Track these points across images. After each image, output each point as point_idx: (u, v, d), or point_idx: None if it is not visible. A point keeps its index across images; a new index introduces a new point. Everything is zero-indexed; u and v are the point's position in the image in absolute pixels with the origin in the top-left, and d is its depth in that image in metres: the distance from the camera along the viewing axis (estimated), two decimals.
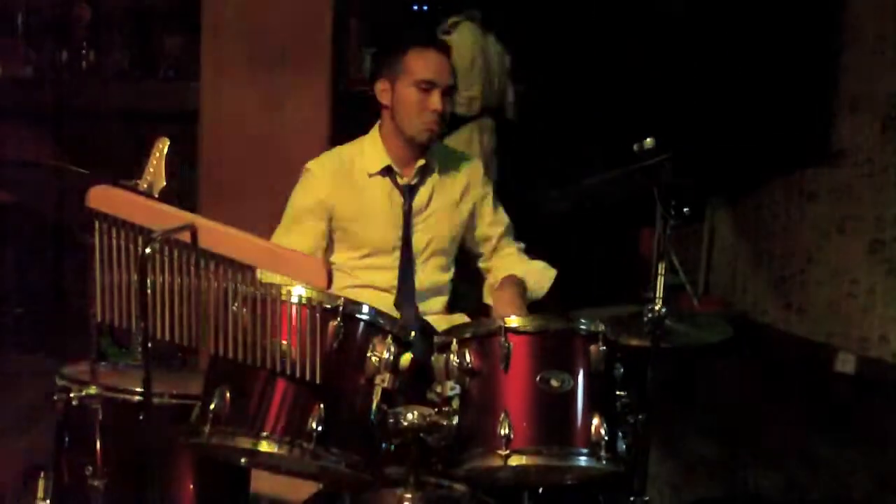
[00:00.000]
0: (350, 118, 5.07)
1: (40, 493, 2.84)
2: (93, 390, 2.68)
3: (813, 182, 6.75)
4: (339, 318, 2.43)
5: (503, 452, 2.46)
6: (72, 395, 2.71)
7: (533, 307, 3.39)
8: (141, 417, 2.57)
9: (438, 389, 2.59)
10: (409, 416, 2.50)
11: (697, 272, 7.81)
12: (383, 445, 2.52)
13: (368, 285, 3.37)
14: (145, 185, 3.08)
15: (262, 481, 3.04)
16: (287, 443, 2.40)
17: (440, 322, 3.35)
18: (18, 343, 5.80)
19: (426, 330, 3.19)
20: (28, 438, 4.36)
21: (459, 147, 4.98)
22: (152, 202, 2.36)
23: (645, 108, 6.32)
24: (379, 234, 3.35)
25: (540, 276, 3.46)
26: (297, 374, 2.31)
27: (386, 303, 3.33)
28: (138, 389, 2.67)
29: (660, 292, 2.78)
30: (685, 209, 2.79)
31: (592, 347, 2.56)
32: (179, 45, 6.49)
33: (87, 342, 2.68)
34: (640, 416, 2.74)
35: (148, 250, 2.18)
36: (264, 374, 2.39)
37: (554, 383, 2.51)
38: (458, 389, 2.55)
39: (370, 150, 3.38)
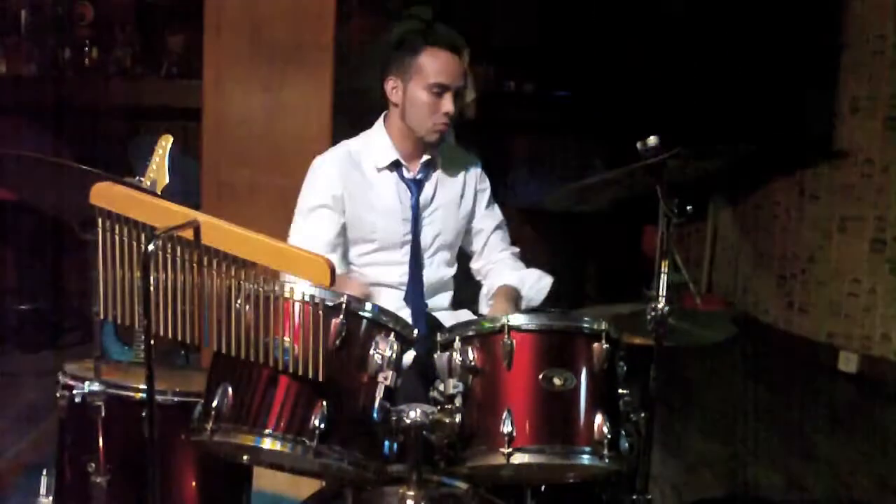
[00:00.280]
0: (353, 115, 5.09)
1: (43, 490, 2.85)
2: (96, 387, 2.68)
3: (814, 182, 6.75)
4: (342, 316, 2.43)
5: (506, 450, 2.46)
6: (75, 392, 2.72)
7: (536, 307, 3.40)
8: (144, 414, 2.58)
9: (441, 387, 2.59)
10: (412, 413, 2.49)
11: (700, 271, 7.82)
12: (386, 443, 2.52)
13: (377, 282, 3.37)
14: (148, 182, 3.09)
15: (264, 479, 3.05)
16: (290, 440, 2.39)
17: (447, 318, 3.35)
18: (20, 341, 5.81)
19: (435, 326, 3.18)
20: (31, 435, 4.36)
21: None
22: (155, 199, 2.35)
23: (647, 106, 6.32)
24: (389, 229, 3.34)
25: (535, 284, 3.44)
26: (300, 372, 2.31)
27: (395, 299, 3.33)
28: (141, 386, 2.68)
29: (662, 291, 2.78)
30: (688, 207, 2.79)
31: (595, 346, 2.56)
32: (182, 42, 6.50)
33: (89, 339, 2.68)
34: (642, 415, 2.74)
35: (151, 247, 2.18)
36: (267, 372, 2.39)
37: (557, 381, 2.51)
38: (460, 387, 2.55)
39: (377, 145, 3.37)
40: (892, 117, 6.15)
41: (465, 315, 3.44)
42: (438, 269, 3.45)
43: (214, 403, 2.42)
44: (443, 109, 3.23)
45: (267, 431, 2.41)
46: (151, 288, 2.20)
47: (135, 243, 2.30)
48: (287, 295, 2.35)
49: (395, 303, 3.31)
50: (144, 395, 2.59)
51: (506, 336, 2.54)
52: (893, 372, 6.10)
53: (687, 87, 6.64)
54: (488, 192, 3.57)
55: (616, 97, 6.84)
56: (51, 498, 2.84)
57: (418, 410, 2.50)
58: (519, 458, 2.47)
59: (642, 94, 6.62)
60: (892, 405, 5.81)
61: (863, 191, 6.34)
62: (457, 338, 2.61)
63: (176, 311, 2.30)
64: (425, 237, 3.39)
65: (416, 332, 2.62)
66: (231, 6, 5.07)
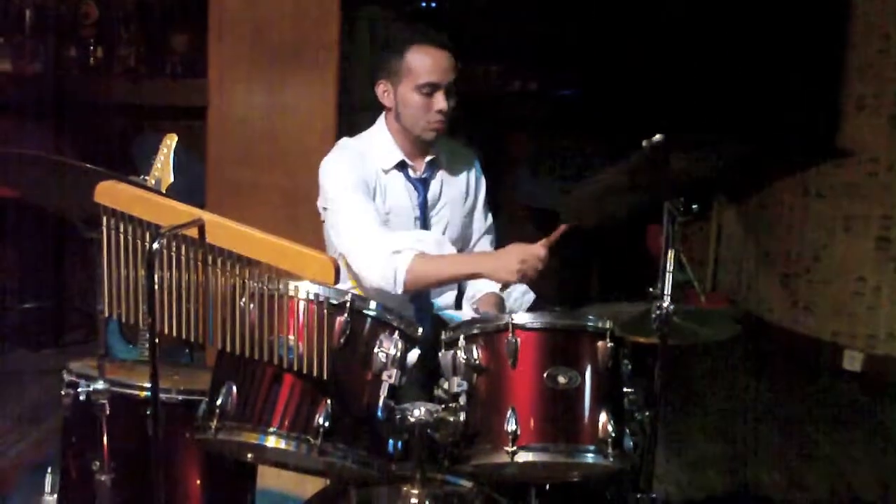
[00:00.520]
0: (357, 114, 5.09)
1: (47, 488, 2.85)
2: (100, 386, 2.69)
3: (819, 180, 6.74)
4: (346, 314, 2.43)
5: (510, 449, 2.46)
6: (79, 390, 2.72)
7: (539, 303, 3.39)
8: (148, 413, 2.59)
9: (445, 385, 2.59)
10: (416, 412, 2.49)
11: (704, 270, 7.81)
12: (390, 441, 2.52)
13: None
14: (153, 181, 3.09)
15: (269, 477, 3.05)
16: (294, 438, 2.40)
17: (452, 315, 3.35)
18: (24, 339, 5.82)
19: (440, 325, 3.18)
20: (35, 434, 4.37)
21: None
22: (160, 198, 2.35)
23: (652, 104, 6.31)
24: (401, 228, 3.32)
25: (520, 297, 3.43)
26: (304, 370, 2.31)
27: (401, 297, 3.32)
28: (145, 385, 2.69)
29: (667, 289, 2.78)
30: (693, 206, 2.78)
31: (600, 344, 2.56)
32: (186, 41, 6.50)
33: (93, 338, 2.69)
34: (647, 413, 2.73)
35: (155, 246, 2.18)
36: (271, 370, 2.40)
37: (561, 380, 2.51)
38: (465, 385, 2.55)
39: (381, 146, 3.35)
40: None
41: (469, 314, 3.44)
42: None
43: (219, 402, 2.42)
44: (435, 108, 3.21)
45: (271, 430, 2.41)
46: (156, 286, 2.20)
47: (139, 242, 2.30)
48: (291, 293, 2.35)
49: (400, 301, 3.31)
50: (149, 394, 2.61)
51: (510, 334, 2.54)
52: None
53: (692, 85, 6.63)
54: (484, 192, 3.57)
55: (621, 96, 6.84)
56: (55, 496, 2.85)
57: (422, 409, 2.50)
58: (523, 457, 2.47)
59: (647, 92, 6.61)
60: None
61: (868, 189, 6.32)
62: (461, 336, 2.61)
63: (180, 309, 2.30)
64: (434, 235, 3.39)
65: (420, 330, 2.62)
66: (234, 6, 5.08)
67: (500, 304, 3.35)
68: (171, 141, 3.20)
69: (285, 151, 5.03)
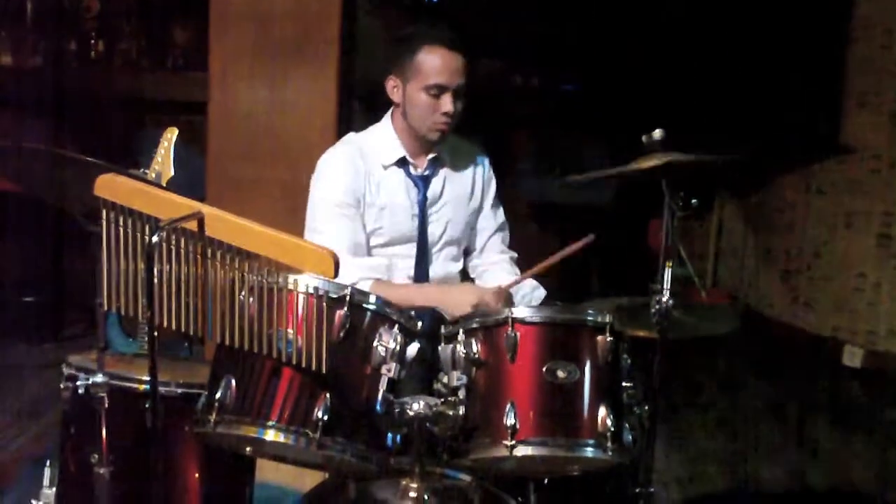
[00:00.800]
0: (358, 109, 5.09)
1: (47, 481, 2.86)
2: (99, 379, 2.69)
3: (821, 176, 6.74)
4: (346, 308, 2.43)
5: (509, 443, 2.46)
6: (78, 383, 2.72)
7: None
8: (147, 406, 2.59)
9: (445, 379, 2.59)
10: (415, 405, 2.49)
11: (705, 265, 7.81)
12: (389, 435, 2.52)
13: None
14: (153, 174, 3.09)
15: (267, 471, 3.05)
16: (293, 432, 2.40)
17: None
18: (23, 332, 5.81)
19: (440, 318, 3.18)
20: (34, 427, 4.37)
21: None
22: (159, 191, 2.35)
23: (653, 101, 6.31)
24: (395, 225, 3.33)
25: (529, 293, 3.43)
26: (304, 364, 2.31)
27: None
28: (145, 378, 2.69)
29: (667, 284, 2.78)
30: (693, 201, 2.79)
31: (599, 338, 2.56)
32: (188, 35, 6.50)
33: (92, 331, 2.69)
34: (646, 408, 2.74)
35: (155, 239, 2.18)
36: (270, 364, 2.39)
37: (561, 374, 2.51)
38: (464, 380, 2.55)
39: (384, 141, 3.35)
40: None
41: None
42: (445, 264, 3.44)
43: (218, 395, 2.42)
44: (442, 109, 3.21)
45: (270, 423, 2.41)
46: (155, 280, 2.20)
47: (139, 235, 2.30)
48: (291, 287, 2.35)
49: None
50: (148, 387, 2.61)
51: (510, 328, 2.54)
52: None
53: (693, 81, 6.63)
54: (494, 189, 3.57)
55: (622, 92, 6.84)
56: (54, 489, 2.85)
57: (422, 403, 2.50)
58: (522, 451, 2.47)
59: (648, 88, 6.61)
60: None
61: (869, 186, 6.33)
62: (461, 330, 2.61)
63: (180, 302, 2.30)
64: (432, 233, 3.39)
65: (419, 323, 2.62)
66: (236, 0, 5.07)
67: (509, 298, 3.35)
68: (171, 135, 3.19)
69: (286, 146, 5.02)
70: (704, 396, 5.65)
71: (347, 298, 2.43)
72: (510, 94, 7.38)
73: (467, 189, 3.47)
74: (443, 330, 2.68)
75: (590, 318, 2.59)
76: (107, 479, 2.70)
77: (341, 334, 2.43)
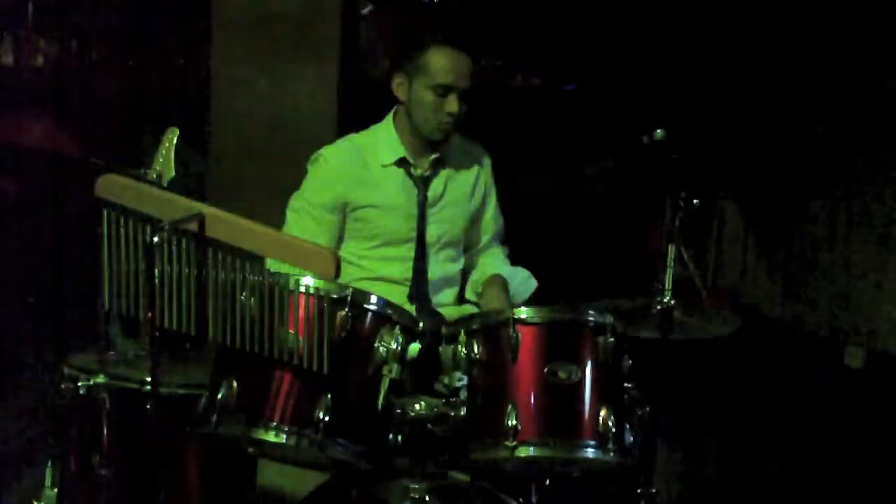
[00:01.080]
0: (360, 106, 5.09)
1: (48, 482, 2.85)
2: (100, 379, 2.69)
3: (822, 177, 6.73)
4: (347, 309, 2.43)
5: (510, 444, 2.46)
6: (79, 384, 2.72)
7: (541, 299, 3.39)
8: (148, 407, 2.59)
9: (446, 380, 2.60)
10: (417, 406, 2.50)
11: (706, 265, 7.80)
12: (390, 436, 2.52)
13: (381, 278, 3.36)
14: (154, 175, 3.09)
15: (269, 471, 3.05)
16: (294, 433, 2.40)
17: (452, 313, 3.34)
18: (24, 333, 5.81)
19: (439, 322, 3.18)
20: (35, 428, 4.37)
21: None
22: (160, 191, 2.36)
23: (655, 102, 6.31)
24: (394, 226, 3.33)
25: (522, 283, 3.44)
26: (305, 365, 2.31)
27: (399, 295, 3.32)
28: (146, 379, 2.68)
29: (668, 284, 2.78)
30: (695, 201, 2.79)
31: (601, 339, 2.56)
32: (189, 34, 6.49)
33: (93, 332, 2.69)
34: (647, 409, 2.74)
35: (156, 239, 2.18)
36: (272, 365, 2.40)
37: (562, 375, 2.51)
38: (465, 380, 2.55)
39: (384, 141, 3.36)
40: None
41: (469, 310, 3.43)
42: (444, 265, 3.44)
43: (219, 396, 2.42)
44: (446, 110, 3.21)
45: (271, 424, 2.41)
46: (156, 280, 2.20)
47: (140, 235, 2.30)
48: (292, 287, 2.35)
49: (399, 299, 3.30)
50: (149, 388, 2.60)
51: (511, 329, 2.54)
52: None
53: (694, 80, 6.63)
54: (494, 193, 3.57)
55: (623, 91, 6.83)
56: (55, 490, 2.85)
57: (423, 403, 2.50)
58: (523, 452, 2.47)
59: (649, 87, 6.61)
60: None
61: (871, 185, 6.31)
62: (462, 331, 2.61)
63: (181, 303, 2.30)
64: (431, 234, 3.38)
65: (420, 324, 2.62)
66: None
67: (505, 285, 3.36)
68: (172, 135, 3.19)
69: (287, 146, 5.01)
70: (705, 397, 5.64)
71: (348, 299, 2.44)
72: (510, 92, 7.37)
73: (468, 190, 3.47)
74: (444, 330, 2.68)
75: (591, 319, 2.59)
76: (108, 480, 2.70)
77: (342, 335, 2.43)
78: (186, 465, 2.82)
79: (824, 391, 5.90)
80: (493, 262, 3.52)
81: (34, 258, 5.94)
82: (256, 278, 2.29)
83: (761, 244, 7.41)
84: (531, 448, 2.48)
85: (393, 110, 3.40)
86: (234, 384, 2.43)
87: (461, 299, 3.53)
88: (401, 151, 3.33)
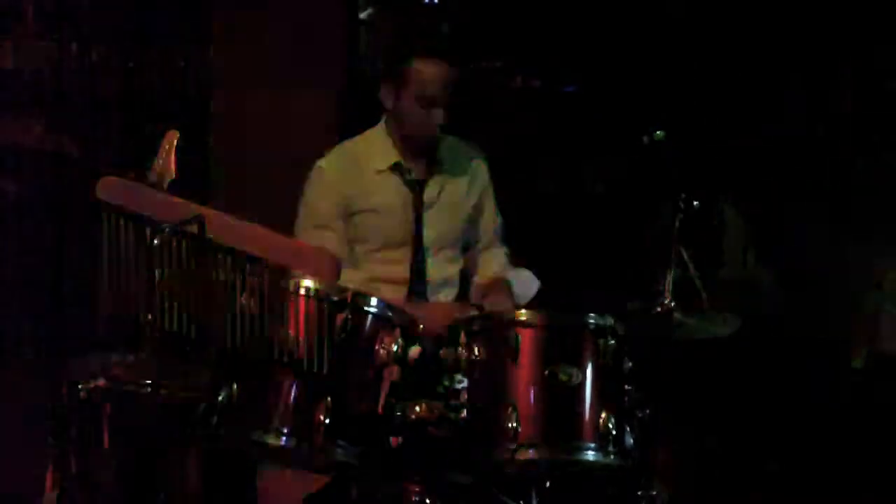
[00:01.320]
0: (361, 110, 5.08)
1: (49, 486, 2.85)
2: (101, 383, 2.69)
3: (822, 176, 6.72)
4: (347, 311, 2.43)
5: (511, 446, 2.47)
6: (80, 387, 2.72)
7: (541, 301, 3.39)
8: (149, 410, 2.59)
9: (447, 382, 2.59)
10: (417, 408, 2.50)
11: (707, 266, 7.79)
12: (391, 438, 2.52)
13: (380, 279, 3.36)
14: (154, 178, 3.08)
15: (270, 474, 3.05)
16: (294, 436, 2.40)
17: None
18: (25, 337, 5.80)
19: None
20: (36, 431, 4.36)
21: None
22: (160, 194, 2.35)
23: (655, 105, 6.31)
24: (390, 229, 3.34)
25: (526, 284, 3.44)
26: (305, 367, 2.31)
27: (398, 296, 3.32)
28: (146, 382, 2.68)
29: (669, 286, 2.78)
30: (695, 203, 2.79)
31: (601, 341, 2.56)
32: (190, 39, 6.49)
33: (95, 336, 2.69)
34: (648, 411, 2.73)
35: (156, 242, 2.18)
36: (272, 367, 2.39)
37: (562, 377, 2.51)
38: (466, 382, 2.55)
39: (379, 146, 3.37)
40: None
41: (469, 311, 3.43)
42: (442, 266, 3.44)
43: (220, 399, 2.42)
44: (431, 120, 3.23)
45: (272, 427, 2.41)
46: (156, 283, 2.20)
47: (140, 238, 2.30)
48: (292, 290, 2.35)
49: (397, 301, 3.30)
50: (150, 391, 2.60)
51: (511, 331, 2.53)
52: None
53: (694, 82, 6.62)
54: (492, 193, 3.57)
55: (624, 92, 6.83)
56: (56, 493, 2.85)
57: (424, 406, 2.50)
58: (524, 454, 2.48)
59: (650, 89, 6.60)
60: None
61: (874, 185, 6.31)
62: (462, 332, 2.61)
63: (181, 306, 2.30)
64: (428, 236, 3.38)
65: (421, 326, 2.62)
66: (238, 10, 5.08)
67: (508, 288, 3.36)
68: (173, 137, 3.19)
69: (288, 150, 5.00)
70: (706, 398, 5.64)
71: (349, 301, 2.43)
72: (510, 95, 7.37)
73: (464, 191, 3.47)
74: (444, 332, 2.68)
75: (592, 321, 2.59)
76: (109, 483, 2.70)
77: (342, 337, 2.43)
78: (187, 468, 2.82)
79: (825, 392, 5.90)
80: (496, 264, 3.52)
81: (34, 258, 5.95)
82: (257, 281, 2.29)
83: (761, 244, 7.40)
84: (531, 450, 2.48)
85: (385, 115, 3.40)
86: (235, 387, 2.43)
87: (460, 300, 3.53)
88: (394, 156, 3.34)
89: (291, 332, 2.34)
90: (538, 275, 3.52)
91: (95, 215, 2.33)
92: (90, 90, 6.13)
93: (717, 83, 6.52)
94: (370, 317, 2.51)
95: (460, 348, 2.58)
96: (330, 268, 2.26)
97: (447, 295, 3.46)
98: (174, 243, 2.28)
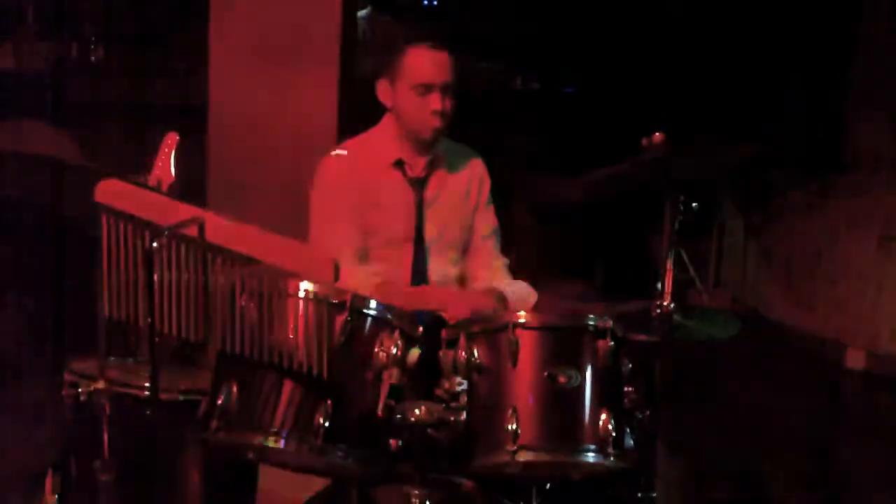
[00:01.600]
0: (360, 109, 5.09)
1: (49, 489, 2.85)
2: (101, 385, 2.68)
3: (823, 179, 6.73)
4: (346, 313, 2.43)
5: (511, 448, 2.46)
6: (80, 390, 2.72)
7: (541, 302, 3.39)
8: (149, 413, 2.59)
9: (446, 385, 2.58)
10: (417, 411, 2.49)
11: (707, 267, 7.80)
12: (390, 441, 2.52)
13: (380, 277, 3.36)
14: (154, 181, 3.09)
15: (269, 477, 3.05)
16: (294, 439, 2.40)
17: None
18: (25, 338, 5.81)
19: (439, 323, 3.18)
20: (36, 434, 4.36)
21: None
22: (160, 196, 2.36)
23: (653, 104, 6.31)
24: (391, 227, 3.34)
25: (522, 295, 3.43)
26: (305, 370, 2.31)
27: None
28: (146, 384, 2.68)
29: (669, 287, 2.78)
30: (694, 205, 2.79)
31: (601, 343, 2.56)
32: (189, 38, 6.49)
33: (94, 337, 2.68)
34: (647, 412, 2.73)
35: (155, 245, 2.18)
36: (272, 370, 2.39)
37: (562, 379, 2.51)
38: (465, 385, 2.55)
39: (380, 144, 3.38)
40: None
41: None
42: (443, 265, 3.44)
43: (219, 401, 2.42)
44: (430, 108, 3.23)
45: (272, 429, 2.41)
46: (156, 286, 2.20)
47: (139, 241, 2.30)
48: (292, 292, 2.35)
49: None
50: (149, 393, 2.60)
51: (511, 333, 2.53)
52: None
53: (694, 84, 6.63)
54: (488, 193, 3.57)
55: (623, 94, 6.84)
56: (57, 496, 2.85)
57: (423, 408, 2.50)
58: (524, 456, 2.47)
59: (649, 91, 6.61)
60: None
61: (871, 188, 6.32)
62: (462, 335, 2.61)
63: (181, 308, 2.30)
64: (429, 235, 3.39)
65: (420, 329, 2.62)
66: (237, 2, 5.07)
67: (504, 299, 3.35)
68: (171, 140, 3.19)
69: (287, 149, 5.02)
70: (706, 400, 5.64)
71: (348, 304, 2.43)
72: (509, 96, 7.38)
73: (463, 191, 3.48)
74: (444, 334, 2.68)
75: (591, 323, 2.59)
76: (110, 486, 2.69)
77: (342, 340, 2.43)
78: (187, 471, 2.82)
79: (825, 393, 5.91)
80: (490, 274, 3.50)
81: (34, 259, 5.95)
82: (256, 283, 2.29)
83: (761, 246, 7.41)
84: (531, 452, 2.48)
85: (387, 113, 3.41)
86: (234, 389, 2.43)
87: None
88: (397, 153, 3.36)
89: (291, 334, 2.34)
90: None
91: (95, 218, 2.33)
92: (90, 91, 6.16)
93: (717, 84, 6.53)
94: (369, 319, 2.51)
95: (460, 350, 2.58)
96: (329, 269, 2.26)
97: None
98: (173, 246, 2.28)
